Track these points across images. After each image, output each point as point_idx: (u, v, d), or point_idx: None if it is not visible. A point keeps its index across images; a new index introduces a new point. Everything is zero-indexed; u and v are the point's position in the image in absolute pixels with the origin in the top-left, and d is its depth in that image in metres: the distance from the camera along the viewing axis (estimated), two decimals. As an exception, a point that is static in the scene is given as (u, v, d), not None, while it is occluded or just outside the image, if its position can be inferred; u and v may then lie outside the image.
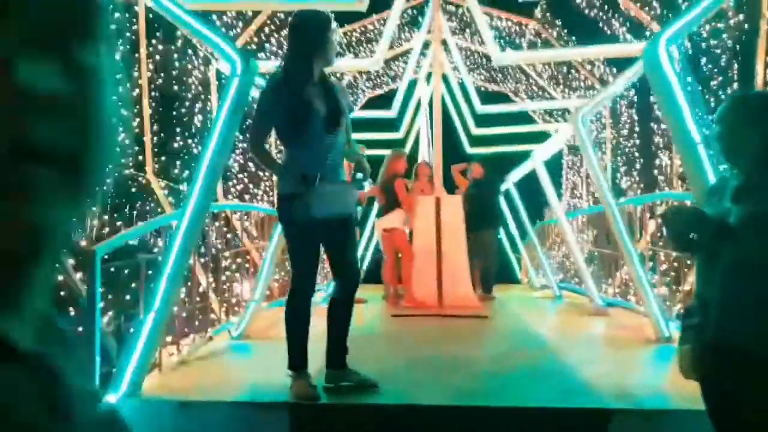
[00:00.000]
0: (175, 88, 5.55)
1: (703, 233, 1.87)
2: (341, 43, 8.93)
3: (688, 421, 2.41)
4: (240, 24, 6.29)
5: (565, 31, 7.89)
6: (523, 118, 10.43)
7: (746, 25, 4.85)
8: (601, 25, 6.74)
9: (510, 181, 9.38)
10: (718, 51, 5.22)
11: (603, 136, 7.99)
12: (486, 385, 3.22)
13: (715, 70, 5.26)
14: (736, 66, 4.99)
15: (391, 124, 9.99)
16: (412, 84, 10.72)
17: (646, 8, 6.12)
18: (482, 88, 11.12)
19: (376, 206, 7.48)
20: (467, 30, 9.21)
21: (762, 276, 1.82)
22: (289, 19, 3.40)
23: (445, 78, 11.02)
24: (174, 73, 5.50)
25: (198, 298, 4.71)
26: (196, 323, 4.46)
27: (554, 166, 11.63)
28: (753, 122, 1.92)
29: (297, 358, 3.01)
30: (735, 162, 2.04)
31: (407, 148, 11.91)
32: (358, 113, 10.01)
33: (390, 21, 6.00)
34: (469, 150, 12.39)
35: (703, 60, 5.49)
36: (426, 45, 9.36)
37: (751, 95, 2.11)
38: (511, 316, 6.23)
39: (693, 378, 1.97)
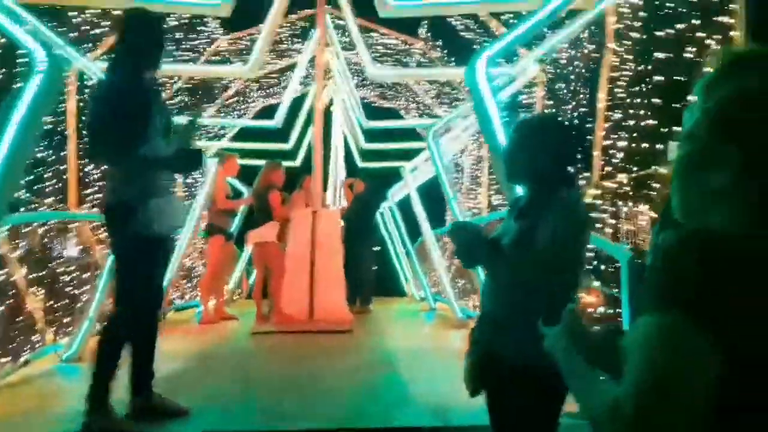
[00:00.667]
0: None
1: (479, 250, 1.86)
2: (232, 51, 8.68)
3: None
4: (106, 23, 5.91)
5: (446, 51, 8.08)
6: (416, 135, 10.58)
7: (596, 55, 5.10)
8: (475, 46, 6.93)
9: (392, 198, 9.48)
10: (572, 78, 5.48)
11: (482, 153, 8.22)
12: (312, 406, 3.11)
13: (569, 95, 5.51)
14: (584, 90, 5.24)
15: (279, 135, 9.83)
16: (306, 96, 10.64)
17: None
18: (374, 104, 11.20)
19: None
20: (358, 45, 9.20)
21: (527, 293, 1.83)
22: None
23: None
24: None
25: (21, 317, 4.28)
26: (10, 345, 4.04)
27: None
28: (527, 144, 1.95)
29: (102, 389, 2.74)
30: (516, 181, 2.07)
31: (298, 160, 11.81)
32: (243, 122, 9.78)
33: (265, 28, 5.86)
34: (361, 164, 12.47)
35: (560, 84, 5.75)
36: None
37: (531, 118, 2.15)
38: (376, 330, 6.19)
39: (470, 390, 1.94)
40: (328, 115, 12.70)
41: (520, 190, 2.28)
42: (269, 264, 6.72)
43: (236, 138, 10.70)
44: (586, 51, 5.29)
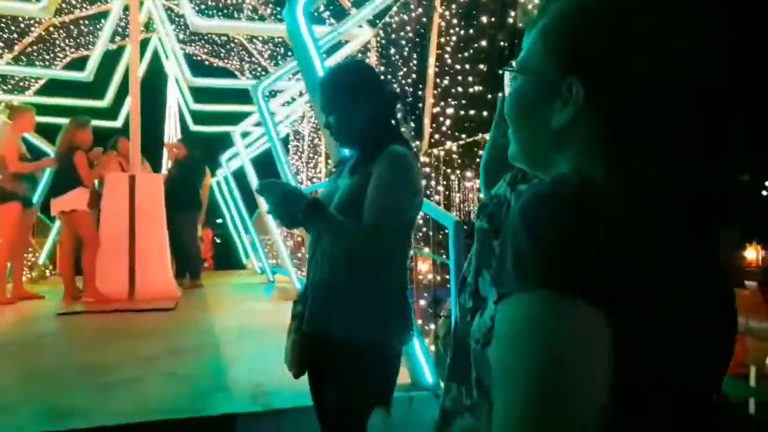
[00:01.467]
0: None
1: (295, 207, 1.57)
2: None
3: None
4: None
5: (278, 9, 7.64)
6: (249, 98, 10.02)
7: (424, 19, 5.07)
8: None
9: (227, 165, 8.95)
10: (404, 42, 5.42)
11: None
12: (111, 398, 2.71)
13: (400, 61, 5.45)
14: (415, 57, 5.20)
15: (95, 90, 8.74)
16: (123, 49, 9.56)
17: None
18: (206, 62, 10.42)
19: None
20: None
21: (355, 259, 1.63)
22: None
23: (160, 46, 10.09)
24: None
25: None
26: None
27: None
28: (341, 97, 1.73)
29: None
30: (343, 141, 1.83)
31: (120, 120, 10.68)
32: (41, 72, 8.55)
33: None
34: (193, 127, 11.64)
35: (392, 50, 5.67)
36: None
37: (334, 68, 1.91)
38: (204, 307, 5.77)
39: (294, 372, 1.71)
40: (156, 72, 11.67)
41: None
42: (80, 235, 5.94)
43: (44, 92, 9.37)
44: (415, 14, 5.24)
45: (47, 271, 8.67)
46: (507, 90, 0.74)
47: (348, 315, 1.63)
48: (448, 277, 3.59)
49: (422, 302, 5.09)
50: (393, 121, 1.77)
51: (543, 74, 0.67)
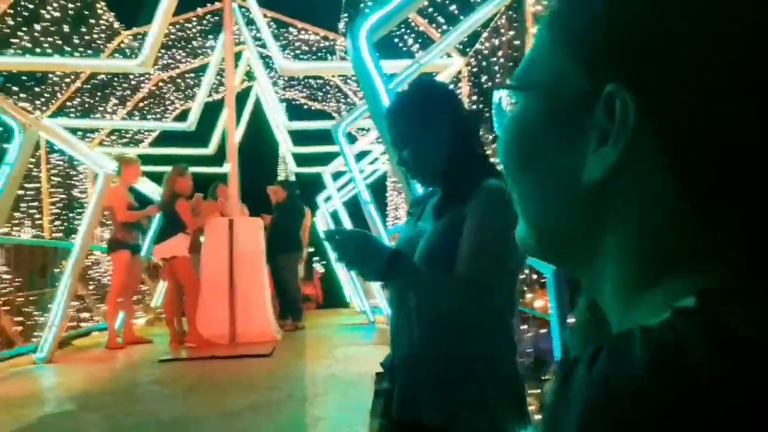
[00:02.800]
0: None
1: (372, 264, 1.29)
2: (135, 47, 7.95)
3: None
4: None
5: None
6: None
7: (517, 42, 4.74)
8: (397, 41, 6.50)
9: (323, 205, 8.99)
10: (497, 69, 5.11)
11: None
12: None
13: (491, 86, 5.14)
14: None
15: (196, 138, 9.16)
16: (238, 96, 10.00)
17: (434, 25, 5.96)
18: (304, 106, 10.66)
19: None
20: (277, 41, 8.65)
21: (450, 322, 1.30)
22: None
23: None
24: None
25: None
26: None
27: (378, 187, 11.47)
28: (419, 124, 1.43)
29: None
30: (421, 178, 1.53)
31: (225, 166, 11.11)
32: (150, 125, 9.06)
33: (156, 20, 5.23)
34: (296, 169, 11.90)
35: (485, 78, 5.39)
36: (237, 56, 8.73)
37: (409, 91, 1.61)
38: (301, 352, 5.63)
39: None
40: (259, 115, 12.13)
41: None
42: (180, 280, 6.09)
43: (157, 143, 9.99)
44: (507, 38, 4.92)
45: (158, 314, 9.05)
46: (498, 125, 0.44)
47: (447, 398, 1.29)
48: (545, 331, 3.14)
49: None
50: (481, 149, 1.46)
51: (557, 85, 0.37)
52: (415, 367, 1.34)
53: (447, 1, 5.52)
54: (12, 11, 5.67)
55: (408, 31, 6.36)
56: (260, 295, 6.31)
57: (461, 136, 1.38)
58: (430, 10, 5.88)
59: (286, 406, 3.57)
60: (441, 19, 5.90)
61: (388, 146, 2.39)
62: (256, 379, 4.36)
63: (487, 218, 1.26)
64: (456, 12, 5.57)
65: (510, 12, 4.92)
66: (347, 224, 7.84)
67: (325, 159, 9.65)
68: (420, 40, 6.36)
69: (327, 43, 8.44)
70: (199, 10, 8.19)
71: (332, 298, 13.03)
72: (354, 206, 7.96)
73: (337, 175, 8.42)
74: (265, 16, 7.72)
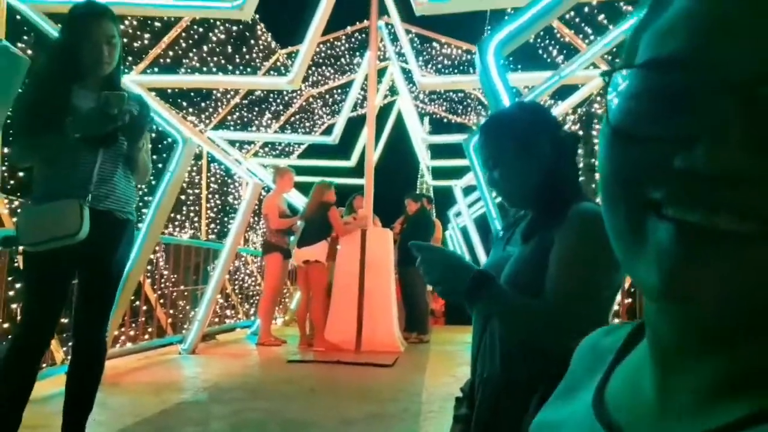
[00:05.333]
0: None
1: (457, 284, 1.27)
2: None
3: None
4: (146, 35, 5.88)
5: (511, 58, 7.43)
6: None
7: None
8: (540, 51, 6.27)
9: (454, 221, 8.91)
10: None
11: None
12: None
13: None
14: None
15: (338, 151, 9.56)
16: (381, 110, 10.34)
17: (581, 35, 5.66)
18: (444, 120, 10.70)
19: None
20: (420, 57, 8.78)
21: (537, 348, 1.22)
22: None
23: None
24: None
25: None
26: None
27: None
28: (507, 148, 1.37)
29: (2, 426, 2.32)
30: (513, 202, 1.46)
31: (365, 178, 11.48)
32: (290, 137, 9.58)
33: (306, 40, 5.55)
34: (433, 182, 11.95)
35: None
36: (382, 71, 9.01)
37: (499, 113, 1.55)
38: (418, 366, 5.58)
39: None
40: (401, 128, 12.39)
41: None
42: (312, 285, 6.36)
43: (302, 155, 10.60)
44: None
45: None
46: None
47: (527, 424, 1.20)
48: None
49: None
50: (574, 173, 1.36)
51: None
52: (494, 391, 1.27)
53: (595, 11, 5.21)
54: (185, 34, 6.32)
55: (553, 42, 6.11)
56: (387, 305, 6.39)
57: (555, 160, 1.33)
58: (577, 20, 5.60)
59: (401, 419, 3.55)
60: (588, 30, 5.60)
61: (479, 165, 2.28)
62: (375, 389, 4.39)
63: (577, 242, 1.17)
64: (605, 22, 5.25)
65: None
66: (476, 241, 7.67)
67: (461, 173, 9.59)
68: (565, 51, 6.08)
69: (470, 57, 8.40)
70: (348, 29, 8.57)
71: (461, 313, 12.86)
72: (485, 223, 7.81)
73: (468, 191, 8.31)
74: (409, 32, 7.89)
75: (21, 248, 2.98)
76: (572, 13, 5.41)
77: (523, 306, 1.21)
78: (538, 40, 6.14)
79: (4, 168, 4.37)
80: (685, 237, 0.34)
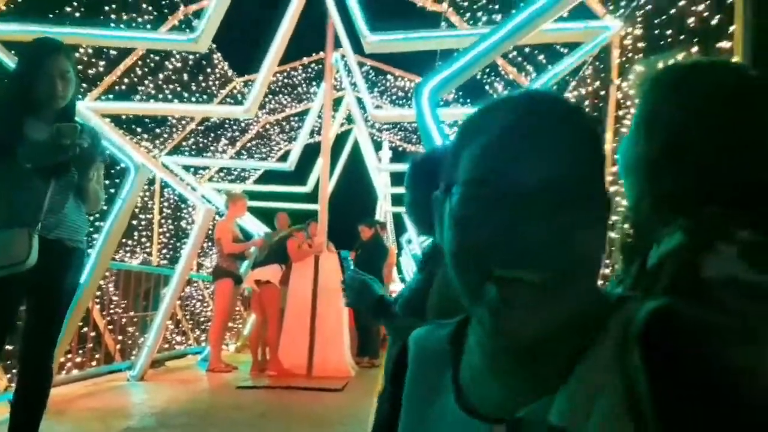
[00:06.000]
0: None
1: (364, 306, 1.53)
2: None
3: None
4: (101, 63, 5.93)
5: (460, 93, 7.77)
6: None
7: (602, 92, 4.68)
8: (488, 88, 6.61)
9: (407, 248, 9.13)
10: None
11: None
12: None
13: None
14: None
15: (294, 177, 9.70)
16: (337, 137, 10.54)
17: (523, 73, 6.01)
18: (400, 148, 10.98)
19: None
20: (375, 88, 9.06)
21: None
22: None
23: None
24: None
25: None
26: None
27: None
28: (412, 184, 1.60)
29: None
30: (421, 231, 1.70)
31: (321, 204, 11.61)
32: (248, 164, 9.68)
33: (262, 70, 5.70)
34: (390, 209, 12.18)
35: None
36: (338, 101, 9.24)
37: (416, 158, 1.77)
38: (367, 390, 5.68)
39: None
40: (358, 156, 12.60)
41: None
42: (266, 307, 6.42)
43: (259, 180, 10.66)
44: (591, 89, 4.87)
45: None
46: None
47: None
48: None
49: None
50: None
51: None
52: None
53: (536, 52, 5.56)
54: (141, 62, 6.40)
55: (498, 78, 6.45)
56: (338, 330, 6.50)
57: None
58: (520, 59, 5.94)
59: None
60: (530, 68, 5.95)
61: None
62: (324, 414, 4.48)
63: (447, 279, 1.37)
64: (545, 61, 5.59)
65: (597, 63, 4.88)
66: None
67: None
68: (509, 88, 6.41)
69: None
70: (305, 59, 8.78)
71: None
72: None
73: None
74: (363, 64, 8.14)
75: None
76: (515, 53, 5.75)
77: (407, 326, 1.40)
78: (484, 76, 6.47)
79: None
80: (502, 289, 0.54)
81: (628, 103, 4.19)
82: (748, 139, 0.85)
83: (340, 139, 11.35)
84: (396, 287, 9.85)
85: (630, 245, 0.99)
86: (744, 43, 2.62)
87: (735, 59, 2.69)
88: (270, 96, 9.09)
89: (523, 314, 0.53)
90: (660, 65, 1.05)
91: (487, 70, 6.18)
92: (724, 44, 2.77)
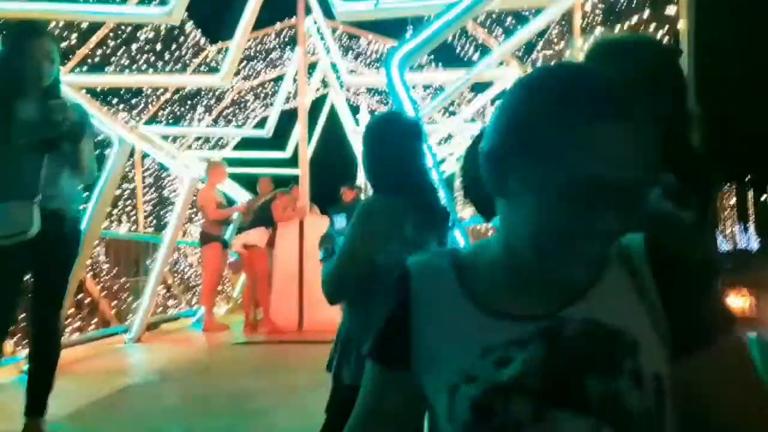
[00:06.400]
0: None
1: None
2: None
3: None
4: (74, 36, 5.97)
5: (432, 56, 7.93)
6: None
7: (567, 53, 4.91)
8: (459, 51, 6.79)
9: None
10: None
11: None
12: (226, 423, 3.00)
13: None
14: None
15: (275, 142, 9.83)
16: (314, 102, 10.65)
17: (493, 35, 6.20)
18: (377, 111, 11.10)
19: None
20: (350, 52, 9.16)
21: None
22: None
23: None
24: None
25: None
26: None
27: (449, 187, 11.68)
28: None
29: None
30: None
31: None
32: (227, 131, 9.78)
33: (235, 37, 5.81)
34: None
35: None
36: (312, 66, 9.32)
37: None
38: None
39: None
40: (334, 122, 12.72)
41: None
42: (255, 270, 6.67)
43: (237, 147, 10.76)
44: (557, 50, 5.10)
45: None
46: None
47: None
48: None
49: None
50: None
51: None
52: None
53: (503, 16, 5.75)
54: (113, 34, 6.43)
55: (470, 41, 6.62)
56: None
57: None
58: (488, 22, 6.12)
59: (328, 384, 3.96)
60: (499, 30, 6.13)
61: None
62: (319, 361, 4.78)
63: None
64: (513, 25, 5.79)
65: (563, 23, 5.10)
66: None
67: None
68: (480, 50, 6.61)
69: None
70: (278, 25, 8.82)
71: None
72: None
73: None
74: (336, 29, 8.24)
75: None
76: (483, 16, 5.93)
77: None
78: (454, 40, 6.64)
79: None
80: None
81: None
82: (667, 103, 1.10)
83: (318, 104, 11.47)
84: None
85: None
86: (688, 7, 2.87)
87: (680, 23, 2.95)
88: (244, 62, 9.14)
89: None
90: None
91: (457, 32, 6.35)
92: (671, 9, 3.01)
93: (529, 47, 5.65)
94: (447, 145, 9.17)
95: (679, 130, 1.11)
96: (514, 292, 0.71)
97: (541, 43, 5.55)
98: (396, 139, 1.78)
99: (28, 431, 2.68)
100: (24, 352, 4.56)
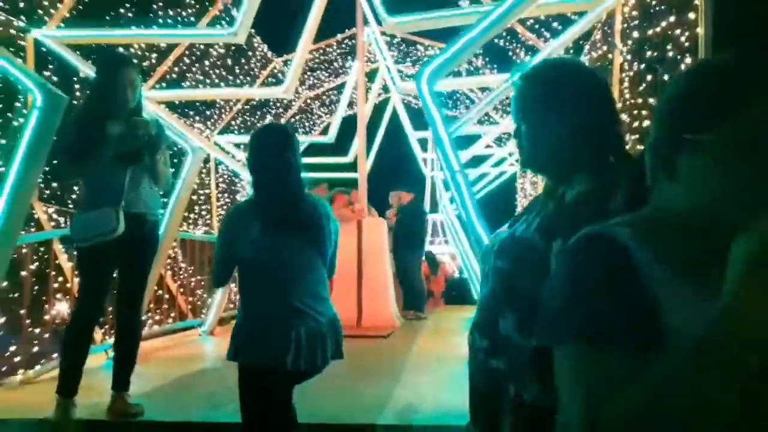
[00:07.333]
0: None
1: None
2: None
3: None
4: (153, 55, 6.59)
5: (487, 59, 8.09)
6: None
7: (610, 55, 5.00)
8: (510, 54, 6.93)
9: (450, 207, 9.61)
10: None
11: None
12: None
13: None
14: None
15: (338, 147, 10.27)
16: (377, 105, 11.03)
17: (542, 39, 6.31)
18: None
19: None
20: (408, 58, 9.47)
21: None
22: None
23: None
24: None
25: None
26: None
27: (509, 189, 11.75)
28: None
29: (64, 386, 3.11)
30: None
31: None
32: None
33: (298, 50, 6.24)
34: (430, 174, 12.62)
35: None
36: (374, 72, 9.70)
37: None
38: (410, 337, 6.31)
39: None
40: (397, 126, 13.05)
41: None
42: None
43: (305, 153, 11.28)
44: (601, 52, 5.19)
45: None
46: None
47: None
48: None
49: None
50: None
51: None
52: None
53: (550, 19, 5.87)
54: (188, 52, 7.04)
55: (517, 44, 6.76)
56: (384, 287, 7.11)
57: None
58: (537, 26, 6.25)
59: (379, 373, 4.26)
60: (548, 35, 6.25)
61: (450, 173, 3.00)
62: (365, 352, 5.14)
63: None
64: (560, 27, 5.90)
65: (605, 28, 5.18)
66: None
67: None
68: (530, 53, 6.73)
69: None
70: (339, 36, 9.25)
71: (463, 295, 13.53)
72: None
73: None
74: (394, 36, 8.54)
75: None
76: (532, 20, 6.07)
77: None
78: (506, 43, 6.79)
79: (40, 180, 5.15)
80: None
81: (627, 67, 4.54)
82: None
83: (381, 108, 11.83)
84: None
85: (548, 189, 1.42)
86: (705, 14, 2.97)
87: (699, 29, 3.05)
88: (309, 72, 9.63)
89: None
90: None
91: (508, 36, 6.51)
92: (691, 15, 3.11)
93: (576, 49, 5.75)
94: (505, 147, 9.29)
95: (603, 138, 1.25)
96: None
97: (587, 46, 5.63)
98: (259, 150, 2.26)
99: (115, 401, 3.17)
100: (110, 341, 5.17)
